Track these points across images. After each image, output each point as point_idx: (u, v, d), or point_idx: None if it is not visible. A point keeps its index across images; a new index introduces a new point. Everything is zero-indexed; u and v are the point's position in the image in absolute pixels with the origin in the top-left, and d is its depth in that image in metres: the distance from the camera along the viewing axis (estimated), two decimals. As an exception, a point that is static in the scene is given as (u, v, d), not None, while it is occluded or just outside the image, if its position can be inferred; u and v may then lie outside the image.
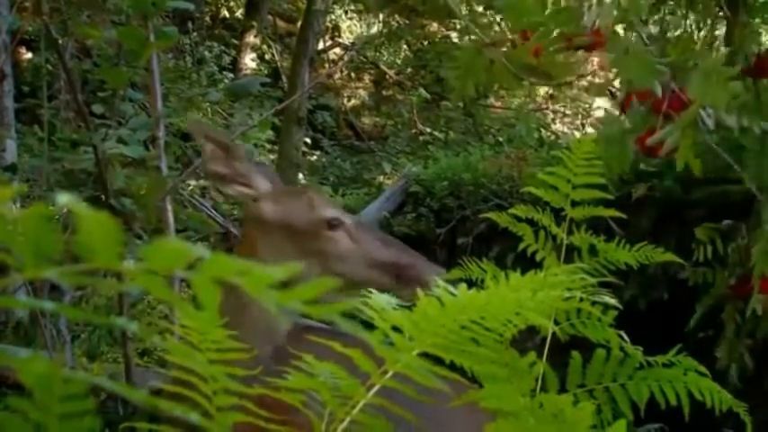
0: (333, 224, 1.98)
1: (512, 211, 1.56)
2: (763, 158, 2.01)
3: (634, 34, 1.91)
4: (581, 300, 1.20)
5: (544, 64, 2.06)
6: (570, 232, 1.53)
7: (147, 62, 2.92)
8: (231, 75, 11.35)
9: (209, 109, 10.17)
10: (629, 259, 1.56)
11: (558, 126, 11.32)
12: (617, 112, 1.94)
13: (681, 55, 1.89)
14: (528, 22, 1.92)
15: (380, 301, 1.07)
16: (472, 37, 2.05)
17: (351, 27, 13.54)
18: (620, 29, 1.91)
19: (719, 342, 2.89)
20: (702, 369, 1.30)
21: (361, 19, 13.54)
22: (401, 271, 2.01)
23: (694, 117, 1.74)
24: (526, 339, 1.54)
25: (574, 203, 1.49)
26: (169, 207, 2.81)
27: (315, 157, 11.32)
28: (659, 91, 1.78)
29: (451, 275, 1.61)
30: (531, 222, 1.58)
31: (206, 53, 11.44)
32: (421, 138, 11.52)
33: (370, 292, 1.13)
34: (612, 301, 1.31)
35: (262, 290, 0.43)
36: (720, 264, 2.85)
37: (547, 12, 1.89)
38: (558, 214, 1.55)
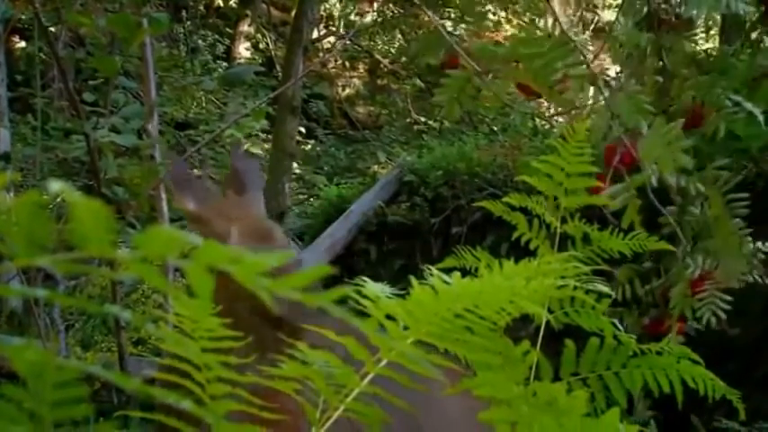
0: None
1: (506, 199, 1.56)
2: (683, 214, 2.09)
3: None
4: (575, 288, 1.20)
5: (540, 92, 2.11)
6: (564, 221, 1.53)
7: (140, 51, 2.92)
8: (225, 64, 11.34)
9: (203, 98, 10.16)
10: (623, 248, 1.56)
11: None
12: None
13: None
14: (529, 54, 1.95)
15: (375, 290, 1.07)
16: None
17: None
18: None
19: None
20: (695, 357, 1.31)
21: (355, 8, 13.51)
22: None
23: (644, 181, 1.81)
24: (520, 328, 1.54)
25: (567, 192, 1.49)
26: (163, 196, 2.81)
27: (309, 147, 11.32)
28: (645, 129, 1.82)
29: (446, 264, 1.60)
30: (524, 211, 1.58)
31: (200, 42, 11.43)
32: (415, 127, 11.52)
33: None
34: (606, 290, 1.31)
35: (252, 278, 0.43)
36: (637, 304, 2.92)
37: (548, 45, 1.92)
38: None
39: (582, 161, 1.45)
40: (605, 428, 0.79)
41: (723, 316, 2.10)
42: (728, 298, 2.10)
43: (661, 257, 2.28)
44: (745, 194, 2.11)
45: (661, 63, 2.10)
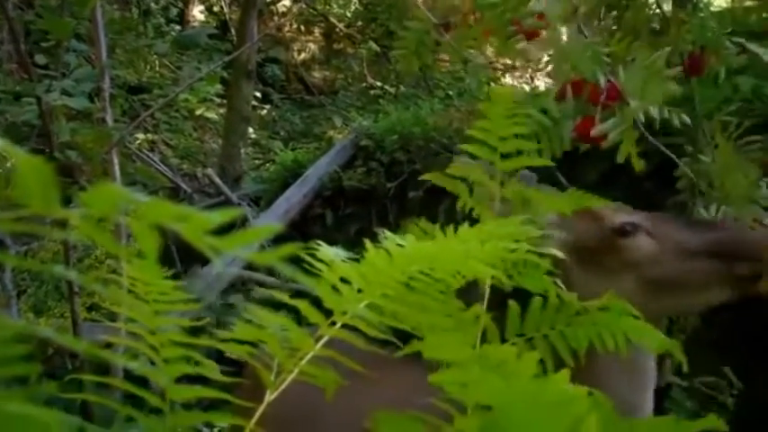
0: (625, 230, 1.72)
1: (448, 171, 1.54)
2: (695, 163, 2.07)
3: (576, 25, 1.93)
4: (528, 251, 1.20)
5: (494, 46, 2.09)
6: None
7: (91, 13, 2.87)
8: (179, 27, 11.19)
9: (156, 62, 10.04)
10: (563, 207, 1.55)
11: (507, 80, 11.35)
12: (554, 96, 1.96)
13: (623, 49, 1.92)
14: (488, 3, 1.94)
15: (329, 253, 1.07)
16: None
17: (300, -21, 13.40)
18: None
19: None
20: (634, 311, 1.31)
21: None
22: (728, 249, 1.72)
23: (636, 114, 1.80)
24: (466, 291, 1.54)
25: (503, 156, 1.47)
26: (115, 160, 2.78)
27: (265, 111, 11.26)
28: (602, 81, 1.82)
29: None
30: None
31: (152, 4, 11.26)
32: (371, 92, 11.50)
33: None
34: (559, 253, 1.32)
35: (199, 236, 0.43)
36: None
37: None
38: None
39: (514, 122, 1.44)
40: (554, 389, 0.80)
41: None
42: None
43: (677, 209, 2.26)
44: (758, 138, 2.06)
45: (657, 8, 2.07)
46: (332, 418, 1.78)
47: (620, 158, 1.87)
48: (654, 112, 1.80)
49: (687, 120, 1.91)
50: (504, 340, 1.24)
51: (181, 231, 0.43)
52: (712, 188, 2.08)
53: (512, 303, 1.28)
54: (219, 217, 0.43)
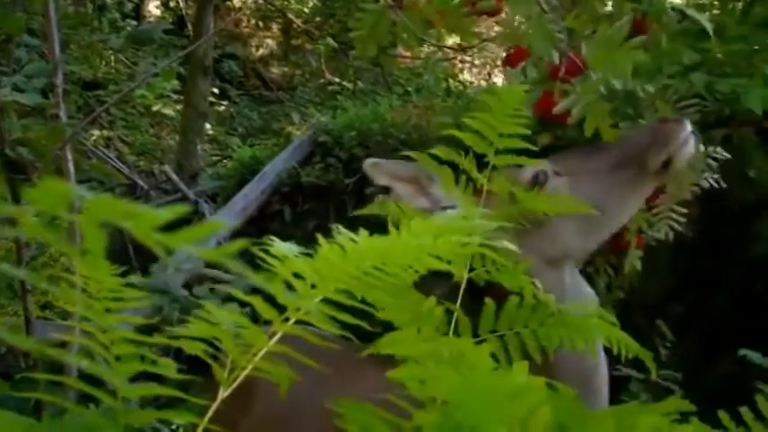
0: (538, 180, 1.79)
1: (433, 151, 1.54)
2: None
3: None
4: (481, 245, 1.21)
5: (448, 27, 2.09)
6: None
7: (43, 8, 2.83)
8: (134, 22, 11.07)
9: (111, 57, 9.93)
10: (547, 208, 1.58)
11: (466, 76, 11.37)
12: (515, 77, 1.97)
13: (581, 24, 1.93)
14: None
15: (283, 249, 1.07)
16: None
17: (257, -27, 13.31)
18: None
19: None
20: (611, 318, 1.34)
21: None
22: (635, 151, 1.81)
23: (597, 87, 1.80)
24: (437, 285, 1.55)
25: (498, 151, 1.47)
26: (70, 157, 2.74)
27: (222, 108, 11.19)
28: (557, 59, 1.82)
29: (367, 212, 1.58)
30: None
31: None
32: (330, 88, 11.45)
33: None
34: (512, 246, 1.33)
35: (147, 233, 0.43)
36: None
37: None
38: (478, 161, 1.53)
39: (516, 123, 1.45)
40: (509, 381, 0.81)
41: (680, 228, 2.08)
42: (684, 210, 2.06)
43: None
44: (696, 100, 2.07)
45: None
46: (310, 420, 1.78)
47: (587, 133, 1.88)
48: (616, 83, 1.81)
49: (651, 90, 1.93)
50: (476, 336, 1.26)
51: (129, 228, 0.43)
52: None
53: (488, 301, 1.29)
54: (167, 213, 0.43)
